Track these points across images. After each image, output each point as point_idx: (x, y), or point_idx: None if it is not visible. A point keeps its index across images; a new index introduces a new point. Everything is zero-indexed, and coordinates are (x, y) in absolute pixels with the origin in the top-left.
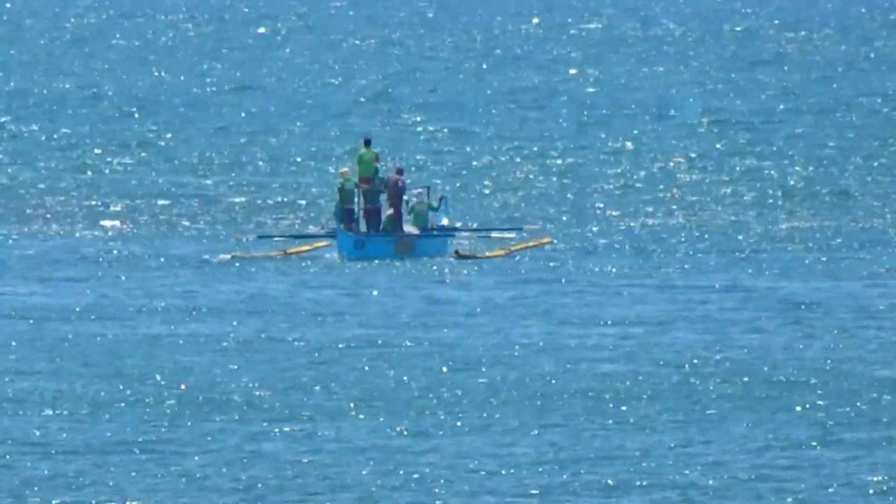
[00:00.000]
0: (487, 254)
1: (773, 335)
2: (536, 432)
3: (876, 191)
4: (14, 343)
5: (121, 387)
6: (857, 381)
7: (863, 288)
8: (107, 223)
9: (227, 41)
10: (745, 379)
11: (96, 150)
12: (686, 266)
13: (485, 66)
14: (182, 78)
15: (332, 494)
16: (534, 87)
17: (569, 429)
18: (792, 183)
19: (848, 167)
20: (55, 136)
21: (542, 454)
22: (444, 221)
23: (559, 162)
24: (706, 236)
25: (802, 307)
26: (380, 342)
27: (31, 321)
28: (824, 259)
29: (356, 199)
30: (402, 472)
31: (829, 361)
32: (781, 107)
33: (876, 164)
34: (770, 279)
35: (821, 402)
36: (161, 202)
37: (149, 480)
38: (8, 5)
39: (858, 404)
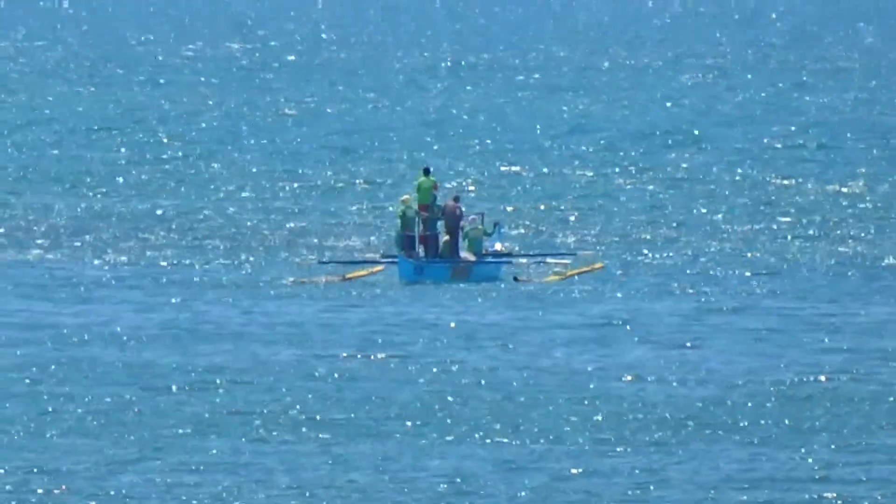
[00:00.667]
0: (545, 280)
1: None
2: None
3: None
4: (98, 365)
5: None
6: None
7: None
8: (164, 253)
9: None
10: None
11: (157, 175)
12: (736, 291)
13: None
14: (240, 106)
15: None
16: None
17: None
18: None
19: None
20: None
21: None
22: (497, 246)
23: (605, 187)
24: (753, 261)
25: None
26: (440, 363)
27: (121, 343)
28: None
29: (416, 226)
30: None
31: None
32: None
33: None
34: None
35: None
36: (225, 229)
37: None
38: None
39: None
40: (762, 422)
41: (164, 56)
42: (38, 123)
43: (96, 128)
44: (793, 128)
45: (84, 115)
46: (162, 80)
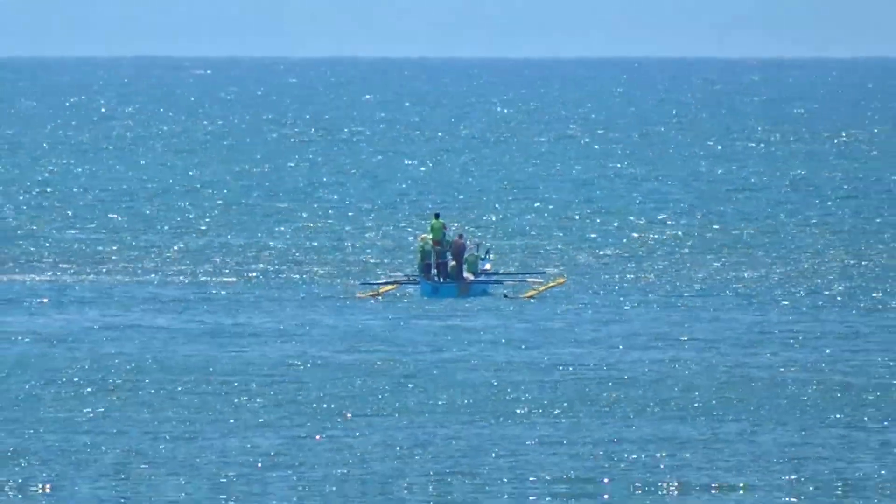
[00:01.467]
0: (524, 295)
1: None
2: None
3: None
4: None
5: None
6: None
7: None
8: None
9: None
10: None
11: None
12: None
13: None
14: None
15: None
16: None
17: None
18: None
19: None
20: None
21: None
22: (487, 266)
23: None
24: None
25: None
26: (455, 356)
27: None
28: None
29: (431, 257)
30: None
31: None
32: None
33: None
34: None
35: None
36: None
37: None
38: None
39: None
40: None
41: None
42: None
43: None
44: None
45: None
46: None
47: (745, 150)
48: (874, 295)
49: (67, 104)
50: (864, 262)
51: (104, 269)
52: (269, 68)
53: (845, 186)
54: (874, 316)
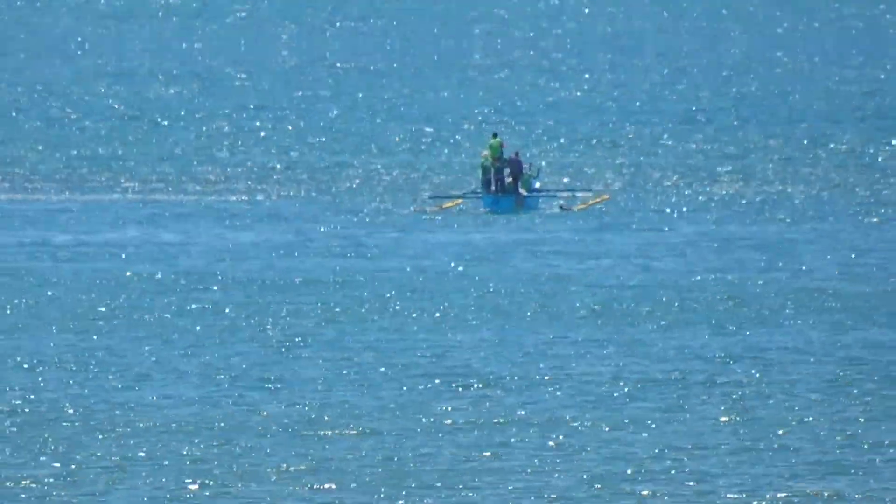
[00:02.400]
0: (576, 208)
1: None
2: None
3: None
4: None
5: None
6: None
7: None
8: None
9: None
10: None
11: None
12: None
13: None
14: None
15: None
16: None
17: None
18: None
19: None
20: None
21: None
22: (537, 185)
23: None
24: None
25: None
26: (511, 264)
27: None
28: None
29: (491, 173)
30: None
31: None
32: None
33: None
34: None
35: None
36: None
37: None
38: None
39: None
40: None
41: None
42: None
43: None
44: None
45: None
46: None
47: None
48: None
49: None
50: None
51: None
52: None
53: None
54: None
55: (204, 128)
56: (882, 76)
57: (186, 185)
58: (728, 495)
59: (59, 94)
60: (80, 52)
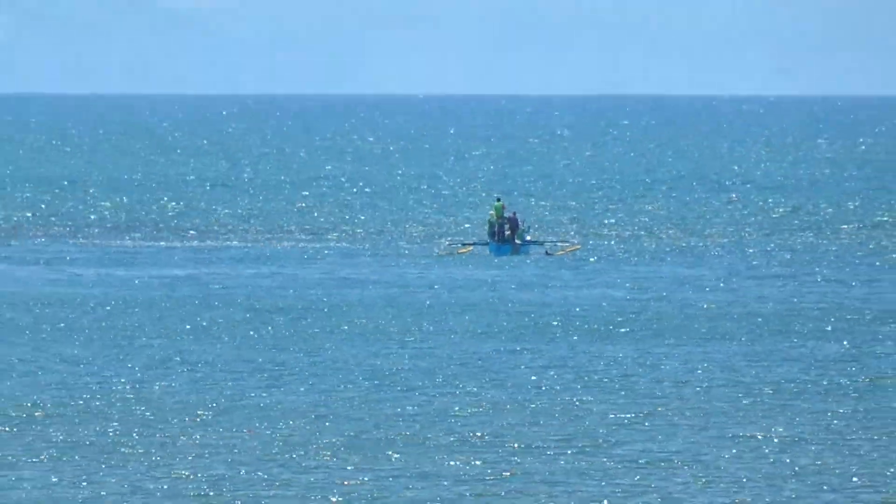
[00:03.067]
0: (557, 253)
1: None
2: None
3: None
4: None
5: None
6: None
7: None
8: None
9: None
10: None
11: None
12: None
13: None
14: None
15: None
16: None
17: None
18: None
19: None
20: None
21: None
22: (528, 237)
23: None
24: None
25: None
26: (509, 293)
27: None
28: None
29: (495, 227)
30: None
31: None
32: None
33: None
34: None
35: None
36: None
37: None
38: None
39: None
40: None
41: None
42: None
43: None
44: None
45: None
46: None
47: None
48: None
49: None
50: None
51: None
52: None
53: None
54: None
55: (280, 195)
56: None
57: (275, 236)
58: None
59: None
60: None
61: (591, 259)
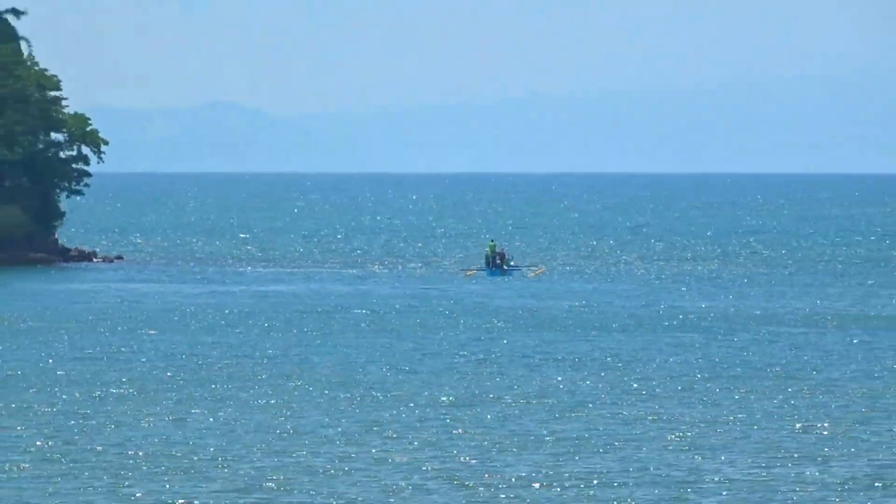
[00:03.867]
0: (531, 275)
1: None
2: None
3: None
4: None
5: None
6: None
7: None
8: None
9: None
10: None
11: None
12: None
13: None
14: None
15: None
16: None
17: None
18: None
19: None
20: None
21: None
22: (512, 263)
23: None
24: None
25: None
26: (499, 304)
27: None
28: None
29: (490, 258)
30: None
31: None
32: None
33: None
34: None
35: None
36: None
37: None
38: None
39: None
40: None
41: None
42: None
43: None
44: None
45: None
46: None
47: None
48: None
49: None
50: None
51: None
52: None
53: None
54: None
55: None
56: None
57: (338, 266)
58: None
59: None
60: None
61: (554, 277)
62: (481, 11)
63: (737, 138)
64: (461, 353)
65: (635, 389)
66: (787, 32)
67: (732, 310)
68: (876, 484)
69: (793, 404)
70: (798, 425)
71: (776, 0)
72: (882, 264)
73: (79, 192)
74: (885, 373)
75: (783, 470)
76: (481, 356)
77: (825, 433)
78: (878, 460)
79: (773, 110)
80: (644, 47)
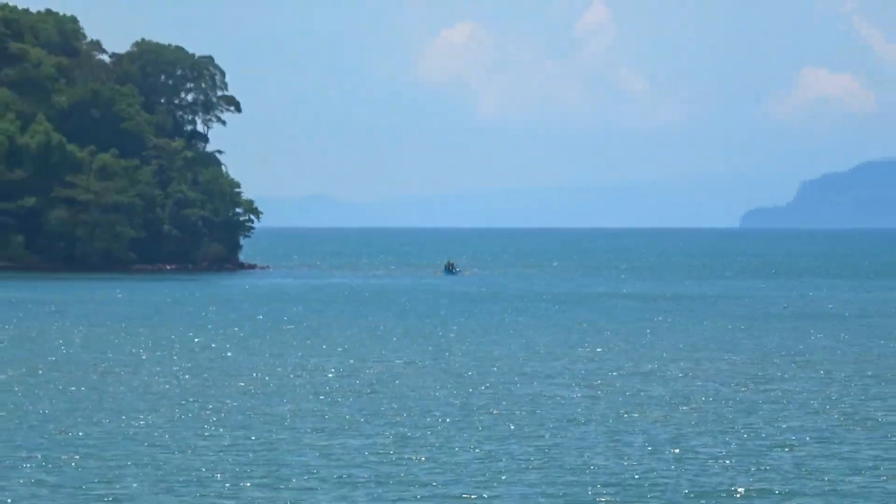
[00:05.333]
0: (467, 273)
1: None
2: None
3: None
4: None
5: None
6: None
7: None
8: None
9: None
10: None
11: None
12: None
13: None
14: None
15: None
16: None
17: None
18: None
19: None
20: None
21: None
22: (459, 270)
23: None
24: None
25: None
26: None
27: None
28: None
29: (447, 266)
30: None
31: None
32: None
33: None
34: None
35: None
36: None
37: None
38: None
39: None
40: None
41: None
42: None
43: None
44: None
45: None
46: None
47: None
48: None
49: None
50: None
51: None
52: None
53: None
54: None
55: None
56: None
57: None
58: None
59: None
60: None
61: (485, 275)
62: None
63: None
64: (428, 310)
65: (507, 323)
66: None
67: (581, 289)
68: None
69: None
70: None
71: None
72: None
73: (248, 236)
74: None
75: None
76: (441, 311)
77: None
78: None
79: None
80: None
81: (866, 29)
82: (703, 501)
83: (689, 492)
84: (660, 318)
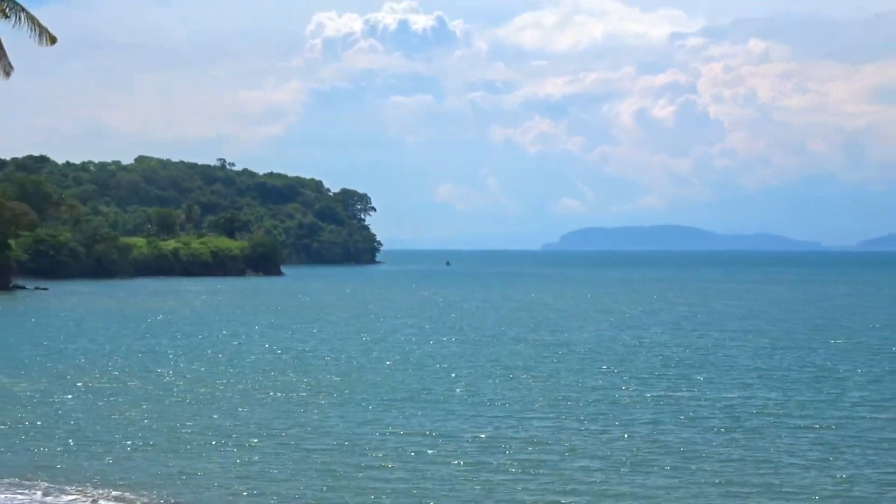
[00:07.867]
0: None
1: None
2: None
3: None
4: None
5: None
6: None
7: None
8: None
9: None
10: None
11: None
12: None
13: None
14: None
15: None
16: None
17: None
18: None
19: None
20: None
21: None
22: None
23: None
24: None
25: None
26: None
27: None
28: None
29: (447, 263)
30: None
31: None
32: None
33: None
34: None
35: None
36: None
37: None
38: None
39: None
40: None
41: None
42: None
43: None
44: None
45: None
46: None
47: None
48: None
49: None
50: None
51: None
52: None
53: None
54: None
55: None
56: None
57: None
58: None
59: None
60: None
61: (462, 271)
62: None
63: None
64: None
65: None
66: None
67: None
68: None
69: None
70: None
71: None
72: None
73: None
74: None
75: None
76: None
77: None
78: None
79: None
80: None
81: None
82: None
83: None
84: None
